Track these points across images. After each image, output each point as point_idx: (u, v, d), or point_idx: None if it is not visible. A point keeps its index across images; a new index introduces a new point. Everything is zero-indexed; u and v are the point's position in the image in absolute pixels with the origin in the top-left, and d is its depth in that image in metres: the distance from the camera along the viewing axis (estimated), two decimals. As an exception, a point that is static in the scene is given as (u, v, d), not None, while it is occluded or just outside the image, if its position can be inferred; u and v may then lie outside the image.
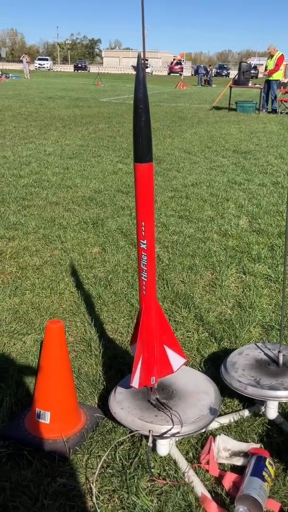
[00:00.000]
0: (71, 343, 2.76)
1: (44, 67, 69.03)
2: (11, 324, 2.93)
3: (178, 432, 1.83)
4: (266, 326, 2.98)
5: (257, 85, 17.46)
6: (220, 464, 1.94)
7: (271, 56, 15.60)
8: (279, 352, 2.24)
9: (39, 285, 3.42)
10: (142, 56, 1.50)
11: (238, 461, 1.94)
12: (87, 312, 3.08)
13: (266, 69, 15.85)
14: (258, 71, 47.09)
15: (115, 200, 5.49)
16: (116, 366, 2.55)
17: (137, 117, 1.53)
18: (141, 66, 1.51)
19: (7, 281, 3.47)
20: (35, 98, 18.78)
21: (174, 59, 66.44)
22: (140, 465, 1.90)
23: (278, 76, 15.91)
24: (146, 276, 1.78)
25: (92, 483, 1.84)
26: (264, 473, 1.81)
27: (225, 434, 2.06)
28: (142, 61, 1.48)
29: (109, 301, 3.21)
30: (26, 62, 39.36)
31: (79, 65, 73.50)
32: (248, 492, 1.72)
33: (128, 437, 2.01)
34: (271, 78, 15.70)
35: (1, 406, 2.20)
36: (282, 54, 15.57)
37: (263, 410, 2.16)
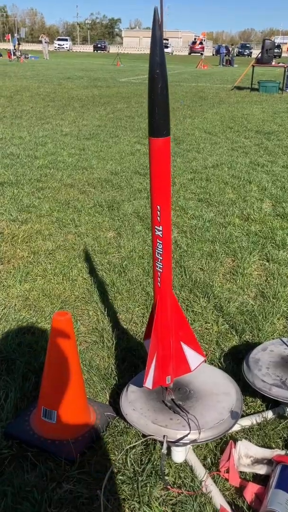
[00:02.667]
0: (83, 333, 2.61)
1: (63, 48, 68.31)
2: (21, 312, 2.78)
3: (195, 439, 1.66)
4: (291, 318, 2.78)
5: (280, 64, 16.85)
6: (241, 472, 1.77)
7: None
8: (307, 349, 2.04)
9: (51, 271, 3.26)
10: (159, 11, 1.29)
11: (261, 470, 1.76)
12: (100, 301, 2.92)
13: None
14: (281, 50, 45.66)
15: (132, 182, 5.29)
16: (130, 359, 2.38)
17: (153, 84, 1.32)
18: (157, 23, 1.30)
19: (18, 266, 3.32)
20: (54, 79, 18.52)
21: (196, 39, 64.92)
22: (153, 472, 1.74)
23: None
24: (161, 266, 1.59)
25: (101, 490, 1.68)
26: (290, 485, 1.64)
27: (246, 439, 1.88)
28: (160, 17, 1.27)
29: (124, 289, 3.04)
30: (45, 43, 38.93)
31: (99, 45, 72.52)
32: (272, 507, 1.55)
33: (140, 442, 1.84)
34: None
35: (5, 401, 2.06)
36: None
37: (289, 412, 1.97)
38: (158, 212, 1.51)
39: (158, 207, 1.50)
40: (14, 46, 35.59)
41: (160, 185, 1.47)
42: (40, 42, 40.28)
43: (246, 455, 1.80)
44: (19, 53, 35.59)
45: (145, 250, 3.61)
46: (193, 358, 1.77)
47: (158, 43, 1.32)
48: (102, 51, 69.13)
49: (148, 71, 1.34)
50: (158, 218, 1.52)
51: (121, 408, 1.85)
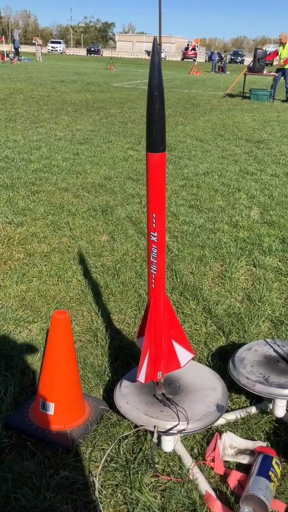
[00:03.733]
0: (77, 332, 2.73)
1: (56, 50, 68.44)
2: (18, 312, 2.90)
3: (184, 429, 1.80)
4: (275, 321, 2.93)
5: (272, 73, 17.14)
6: (225, 461, 1.91)
7: (282, 44, 15.23)
8: (289, 349, 2.19)
9: (46, 273, 3.38)
10: (158, 40, 1.43)
11: (244, 459, 1.91)
12: (94, 302, 3.05)
13: (280, 58, 15.47)
14: (273, 59, 46.18)
15: (125, 187, 5.43)
16: (123, 357, 2.51)
17: (151, 105, 1.46)
18: (156, 50, 1.44)
19: (14, 268, 3.44)
20: (47, 82, 18.63)
21: (189, 45, 65.47)
22: (144, 460, 1.87)
23: None
24: (155, 269, 1.73)
25: (95, 477, 1.81)
26: (270, 473, 1.78)
27: (231, 431, 2.02)
28: (158, 46, 1.42)
29: (117, 291, 3.17)
30: (38, 45, 39.03)
31: (92, 49, 72.77)
32: (253, 492, 1.69)
33: (132, 432, 1.98)
34: (286, 67, 15.37)
35: (5, 395, 2.18)
36: None
37: (271, 407, 2.11)
38: (154, 220, 1.65)
39: (154, 215, 1.64)
40: (17, 49, 36.07)
41: (156, 195, 1.61)
42: (34, 44, 40.43)
43: (230, 446, 1.94)
44: (12, 55, 35.76)
45: (137, 253, 3.74)
46: (183, 355, 1.91)
47: (156, 67, 1.46)
48: (96, 55, 69.38)
49: (147, 93, 1.48)
50: (154, 225, 1.66)
51: (115, 401, 1.98)
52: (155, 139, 1.49)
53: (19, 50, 37.48)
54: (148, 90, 1.48)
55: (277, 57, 15.69)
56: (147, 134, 1.51)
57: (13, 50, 37.60)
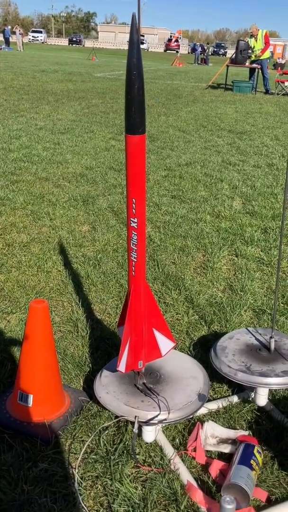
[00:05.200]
0: (58, 323, 2.68)
1: (38, 40, 67.36)
2: (-4, 302, 2.83)
3: (165, 419, 1.77)
4: (257, 310, 2.92)
5: (254, 65, 17.14)
6: (207, 451, 1.89)
7: (253, 36, 15.20)
8: (270, 337, 2.17)
9: (25, 263, 3.31)
10: (136, 18, 1.38)
11: (226, 449, 1.89)
12: (74, 292, 3.00)
13: (253, 50, 15.42)
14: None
15: (107, 177, 5.36)
16: (103, 347, 2.47)
17: (130, 84, 1.41)
18: (135, 28, 1.39)
19: (-8, 258, 3.36)
20: (28, 71, 18.32)
21: (172, 37, 65.14)
22: (125, 451, 1.84)
23: (267, 55, 15.62)
24: (136, 256, 1.69)
25: (75, 468, 1.77)
26: (252, 462, 1.76)
27: (213, 421, 2.00)
28: (137, 23, 1.36)
29: (98, 281, 3.13)
30: (20, 34, 38.33)
31: (74, 39, 71.80)
32: (235, 481, 1.67)
33: (113, 422, 1.94)
34: (262, 58, 15.38)
35: (-18, 387, 2.12)
36: (266, 32, 15.25)
37: (253, 396, 2.10)
38: (134, 205, 1.60)
39: (134, 200, 1.60)
40: (8, 38, 35.58)
41: (135, 180, 1.57)
42: (14, 33, 39.69)
43: (212, 435, 1.92)
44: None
45: (119, 243, 3.70)
46: (164, 343, 1.88)
47: (135, 46, 1.41)
48: (77, 45, 68.52)
49: (126, 72, 1.43)
50: (134, 210, 1.61)
51: (95, 391, 1.94)
52: (134, 121, 1.44)
53: (10, 40, 37.06)
54: (126, 69, 1.43)
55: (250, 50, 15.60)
56: (126, 116, 1.46)
57: (3, 39, 37.30)
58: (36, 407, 1.93)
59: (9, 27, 39.52)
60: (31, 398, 1.93)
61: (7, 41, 37.82)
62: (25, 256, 3.42)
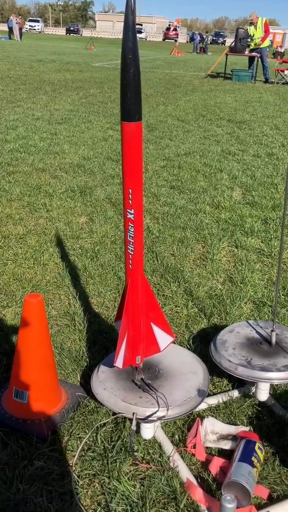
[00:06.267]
0: (54, 317, 2.63)
1: (35, 29, 66.67)
2: (-9, 296, 2.78)
3: (163, 416, 1.72)
4: (257, 302, 2.87)
5: (254, 53, 16.95)
6: (207, 448, 1.84)
7: (253, 24, 14.98)
8: (272, 331, 2.12)
9: (22, 255, 3.25)
10: (132, -3, 1.31)
11: (226, 445, 1.84)
12: (72, 285, 2.94)
13: (252, 38, 15.20)
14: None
15: (105, 168, 5.28)
16: (101, 342, 2.43)
17: (125, 69, 1.35)
18: (130, 10, 1.32)
19: (-12, 251, 3.30)
20: (25, 61, 18.11)
21: (170, 25, 64.46)
22: (123, 448, 1.80)
23: (266, 43, 15.43)
24: (133, 249, 1.63)
25: (72, 466, 1.73)
26: (253, 458, 1.72)
27: (213, 416, 1.96)
28: (132, 4, 1.29)
29: (95, 274, 3.07)
30: (16, 23, 37.88)
31: (72, 28, 71.11)
32: (236, 478, 1.63)
33: (110, 419, 1.89)
34: (262, 46, 15.19)
35: (-23, 383, 2.07)
36: (266, 20, 15.05)
37: (253, 391, 2.06)
38: (130, 196, 1.54)
39: (130, 190, 1.54)
40: (11, 28, 35.34)
41: (131, 169, 1.50)
42: (7, 21, 39.22)
43: (212, 431, 1.87)
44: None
45: (117, 235, 3.64)
46: (163, 338, 1.83)
47: (130, 28, 1.34)
48: (75, 34, 67.87)
49: (121, 56, 1.36)
50: (130, 201, 1.55)
51: (92, 388, 1.89)
52: (130, 107, 1.38)
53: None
54: (121, 53, 1.36)
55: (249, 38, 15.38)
56: (121, 102, 1.40)
57: (7, 29, 37.07)
58: (32, 403, 1.89)
59: (16, 18, 39.07)
60: (26, 394, 1.88)
61: (11, 31, 37.51)
62: (21, 248, 3.36)
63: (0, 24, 71.19)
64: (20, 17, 39.81)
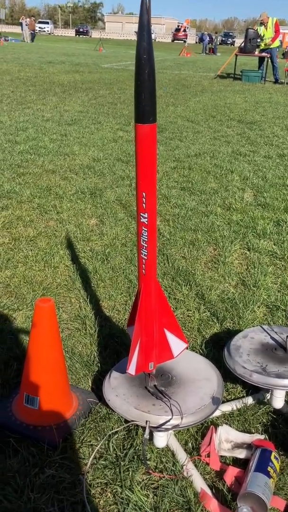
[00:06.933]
0: (65, 320, 2.60)
1: (44, 31, 66.91)
2: (2, 299, 2.76)
3: (177, 424, 1.68)
4: (271, 306, 2.82)
5: (263, 54, 16.85)
6: (221, 456, 1.80)
7: (264, 24, 14.87)
8: (287, 336, 2.08)
9: (32, 258, 3.23)
10: (147, -4, 1.27)
11: (241, 454, 1.80)
12: (82, 288, 2.91)
13: (262, 39, 15.10)
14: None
15: (114, 169, 5.26)
16: (112, 346, 2.39)
17: (139, 69, 1.31)
18: (145, 9, 1.29)
19: (-2, 253, 3.29)
20: (35, 63, 18.17)
21: (179, 26, 64.38)
22: (135, 457, 1.76)
23: (276, 43, 15.32)
24: (146, 253, 1.60)
25: (83, 475, 1.70)
26: (269, 468, 1.68)
27: (227, 424, 1.92)
28: (147, 2, 1.26)
29: (106, 277, 3.04)
30: (26, 25, 38.06)
31: (81, 30, 71.27)
32: (251, 489, 1.59)
33: (123, 427, 1.86)
34: (272, 46, 15.08)
35: (-13, 388, 2.05)
36: (277, 20, 14.94)
37: (268, 397, 2.01)
38: (144, 199, 1.51)
39: (144, 194, 1.50)
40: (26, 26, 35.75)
41: (145, 172, 1.47)
42: (21, 24, 39.43)
43: (226, 439, 1.83)
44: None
45: (128, 237, 3.60)
46: (176, 344, 1.79)
47: (145, 28, 1.30)
48: (84, 36, 68.03)
49: (135, 57, 1.33)
50: (144, 205, 1.52)
51: (104, 394, 1.86)
52: (144, 108, 1.34)
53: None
54: (136, 53, 1.33)
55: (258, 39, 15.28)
56: (136, 103, 1.36)
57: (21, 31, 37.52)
58: (43, 409, 1.86)
59: (27, 19, 39.34)
60: (37, 400, 1.85)
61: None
62: (31, 250, 3.34)
63: (11, 26, 71.47)
64: (33, 18, 40.00)
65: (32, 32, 37.80)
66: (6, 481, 1.67)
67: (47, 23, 72.19)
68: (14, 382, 2.11)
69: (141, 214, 1.54)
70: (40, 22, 71.16)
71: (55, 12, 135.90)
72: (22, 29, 37.98)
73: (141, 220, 1.55)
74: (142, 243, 1.59)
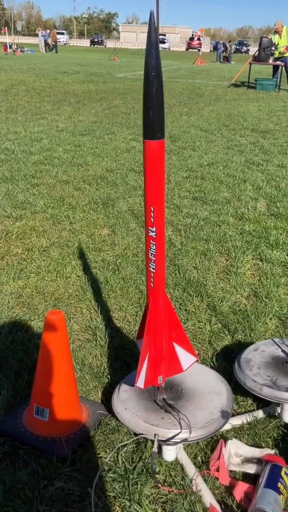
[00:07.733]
0: (76, 331, 2.61)
1: (60, 42, 67.77)
2: (14, 309, 2.79)
3: (186, 438, 1.68)
4: (283, 318, 2.80)
5: (278, 62, 16.82)
6: (231, 471, 1.79)
7: (278, 32, 14.87)
8: (298, 350, 2.06)
9: (44, 268, 3.26)
10: (155, 16, 1.29)
11: (251, 469, 1.79)
12: (93, 298, 2.93)
13: (276, 47, 15.10)
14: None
15: (127, 179, 5.29)
16: (122, 357, 2.40)
17: (147, 86, 1.33)
18: (153, 27, 1.31)
19: (11, 263, 3.32)
20: (50, 73, 18.41)
21: (194, 35, 64.71)
22: (144, 470, 1.76)
23: None
24: (154, 267, 1.60)
25: (92, 488, 1.70)
26: (279, 484, 1.66)
27: (236, 438, 1.90)
28: (155, 20, 1.28)
29: (117, 287, 3.05)
30: (42, 36, 38.64)
31: (96, 40, 72.07)
32: (261, 506, 1.57)
33: (131, 441, 1.86)
34: (286, 55, 15.06)
35: (-2, 399, 2.07)
36: None
37: (279, 411, 1.99)
38: (152, 213, 1.52)
39: (152, 208, 1.51)
40: (46, 41, 36.44)
41: (154, 187, 1.48)
42: (37, 35, 40.10)
43: (236, 454, 1.82)
44: (15, 46, 35.63)
45: (139, 248, 3.62)
46: (185, 358, 1.79)
47: (154, 46, 1.32)
48: (99, 46, 68.75)
49: (144, 74, 1.35)
50: (152, 219, 1.53)
51: (113, 407, 1.86)
52: (152, 125, 1.36)
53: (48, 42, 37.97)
54: (144, 70, 1.34)
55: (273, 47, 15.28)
56: (144, 119, 1.38)
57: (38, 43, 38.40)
58: (53, 421, 1.87)
59: (48, 31, 40.15)
60: (47, 412, 1.86)
61: (46, 44, 38.58)
62: (44, 261, 3.37)
63: (29, 38, 72.59)
64: (55, 30, 40.68)
65: (54, 43, 38.33)
66: (15, 493, 1.68)
67: (62, 33, 73.18)
68: (25, 392, 2.12)
69: (150, 228, 1.55)
70: (56, 33, 72.18)
71: (70, 23, 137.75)
72: (44, 41, 38.65)
73: (150, 234, 1.56)
74: (150, 256, 1.60)
